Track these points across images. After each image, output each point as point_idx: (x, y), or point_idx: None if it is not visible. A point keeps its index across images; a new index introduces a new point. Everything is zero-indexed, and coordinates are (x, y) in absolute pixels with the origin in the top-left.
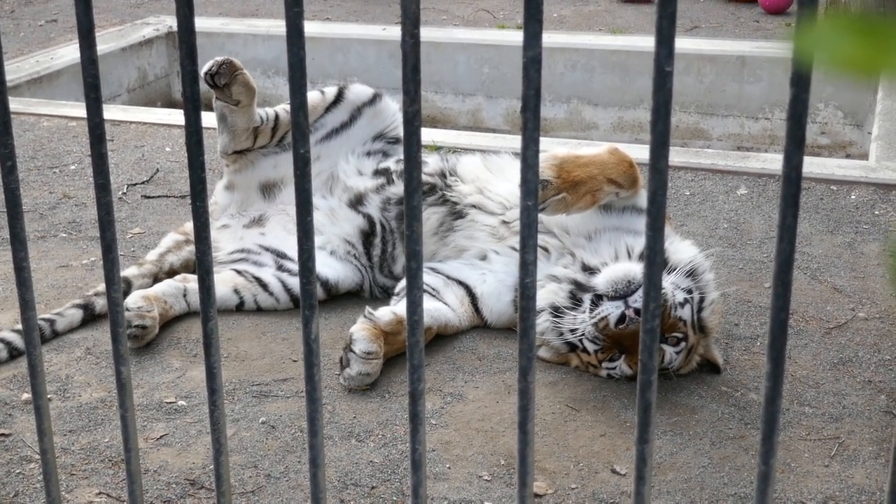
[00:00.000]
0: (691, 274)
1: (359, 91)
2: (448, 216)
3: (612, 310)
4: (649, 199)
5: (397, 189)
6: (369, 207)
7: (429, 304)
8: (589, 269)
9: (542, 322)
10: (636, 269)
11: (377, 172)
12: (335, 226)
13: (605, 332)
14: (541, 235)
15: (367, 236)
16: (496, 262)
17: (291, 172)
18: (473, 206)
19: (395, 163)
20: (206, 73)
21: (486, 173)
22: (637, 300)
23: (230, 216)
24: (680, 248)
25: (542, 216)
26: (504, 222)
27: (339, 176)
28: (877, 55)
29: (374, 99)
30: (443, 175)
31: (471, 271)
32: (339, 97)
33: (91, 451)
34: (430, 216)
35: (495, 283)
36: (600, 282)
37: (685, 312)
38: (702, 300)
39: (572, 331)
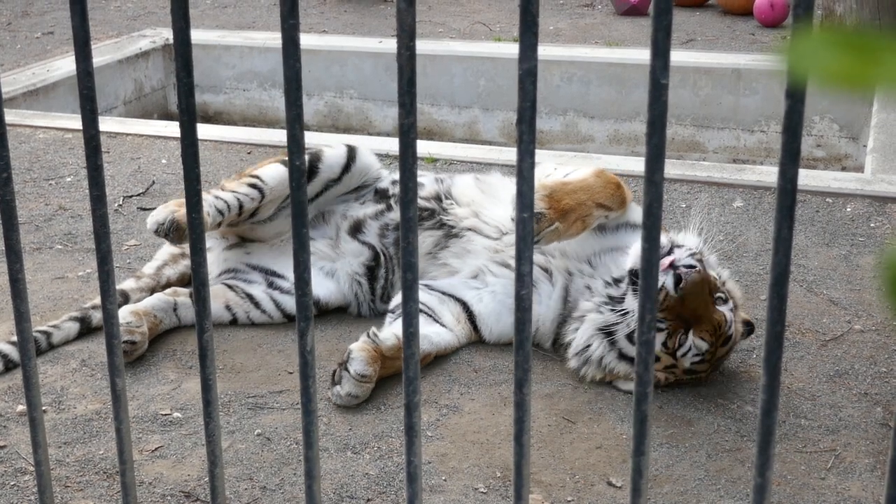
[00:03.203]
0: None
1: (332, 162)
2: (443, 238)
3: (662, 278)
4: (645, 212)
5: (396, 215)
6: (368, 235)
7: (427, 329)
8: (611, 282)
9: (597, 349)
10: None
11: (376, 193)
12: (341, 259)
13: (666, 304)
14: (543, 257)
15: (373, 270)
16: (495, 283)
17: (268, 230)
18: (469, 229)
19: (391, 183)
20: (156, 230)
21: (481, 195)
22: (680, 258)
23: (212, 239)
24: (686, 238)
25: (535, 246)
26: (498, 251)
27: (335, 213)
28: (867, 69)
29: (348, 164)
30: (438, 198)
31: (466, 288)
32: (311, 172)
33: (86, 464)
34: (426, 239)
35: (495, 305)
36: (631, 261)
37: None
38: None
39: (632, 334)
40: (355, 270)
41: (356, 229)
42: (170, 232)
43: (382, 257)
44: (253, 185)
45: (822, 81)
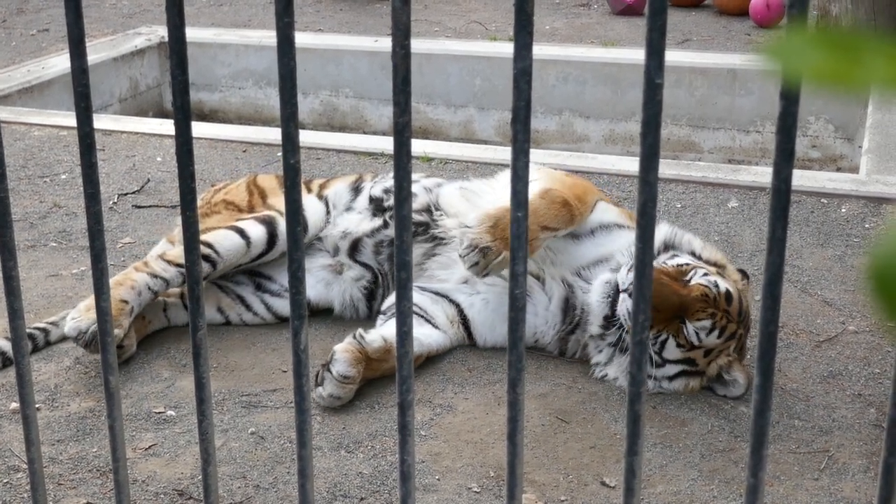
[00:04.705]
0: (673, 246)
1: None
2: (431, 248)
3: (625, 306)
4: (639, 212)
5: (391, 231)
6: (364, 255)
7: (417, 331)
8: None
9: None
10: (603, 280)
11: (371, 201)
12: (338, 284)
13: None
14: (535, 264)
15: (372, 292)
16: (487, 291)
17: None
18: (456, 238)
19: (383, 192)
20: (76, 337)
21: (467, 204)
22: (622, 278)
23: None
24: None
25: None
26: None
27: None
28: (856, 69)
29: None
30: (429, 210)
31: (459, 292)
32: (271, 243)
33: (79, 461)
34: (415, 250)
35: (488, 314)
36: (601, 308)
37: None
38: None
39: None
40: (353, 295)
41: (354, 248)
42: (91, 343)
43: (379, 276)
44: (206, 258)
45: (810, 80)
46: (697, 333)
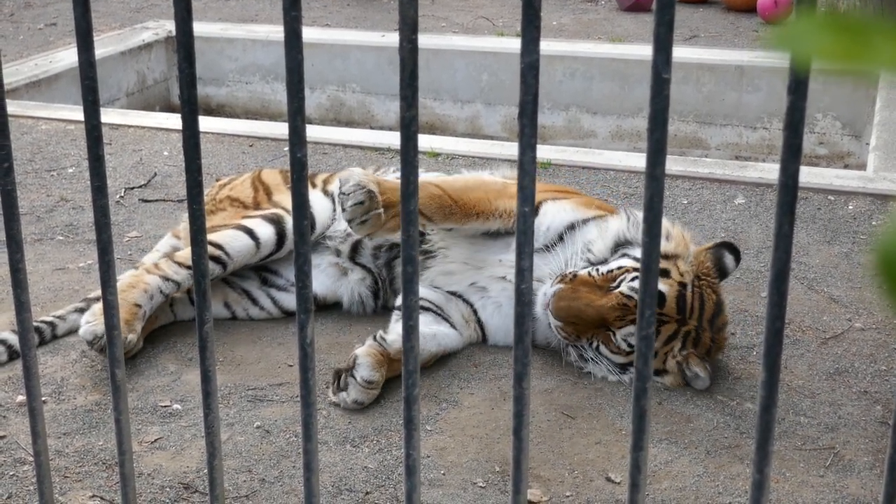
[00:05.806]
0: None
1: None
2: (423, 261)
3: (552, 321)
4: (645, 206)
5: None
6: (364, 258)
7: (436, 328)
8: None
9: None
10: (542, 292)
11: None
12: (345, 285)
13: (573, 331)
14: (541, 270)
15: (376, 293)
16: (498, 294)
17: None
18: (443, 248)
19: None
20: (91, 341)
21: None
22: (546, 290)
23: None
24: (555, 258)
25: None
26: (479, 268)
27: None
28: (856, 50)
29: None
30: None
31: (471, 293)
32: (279, 243)
33: (85, 454)
34: None
35: (501, 319)
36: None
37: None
38: None
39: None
40: (360, 291)
41: (355, 250)
42: (105, 349)
43: (378, 280)
44: (216, 259)
45: (818, 63)
46: (626, 340)
